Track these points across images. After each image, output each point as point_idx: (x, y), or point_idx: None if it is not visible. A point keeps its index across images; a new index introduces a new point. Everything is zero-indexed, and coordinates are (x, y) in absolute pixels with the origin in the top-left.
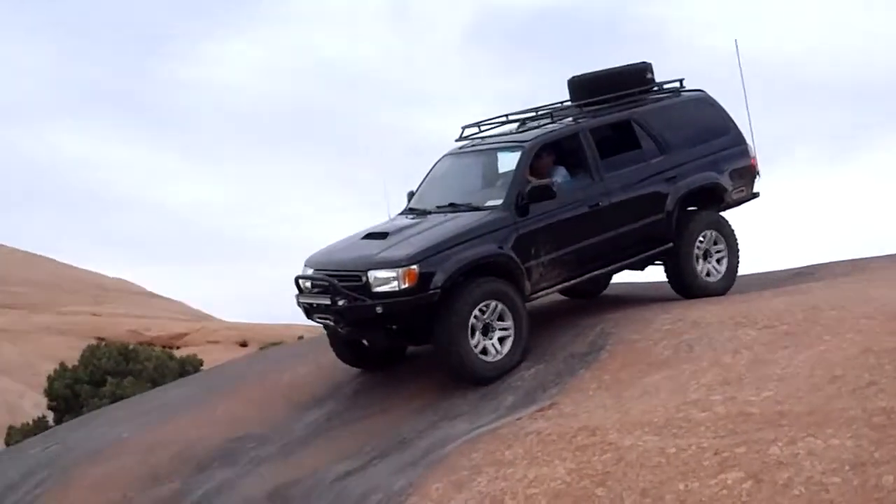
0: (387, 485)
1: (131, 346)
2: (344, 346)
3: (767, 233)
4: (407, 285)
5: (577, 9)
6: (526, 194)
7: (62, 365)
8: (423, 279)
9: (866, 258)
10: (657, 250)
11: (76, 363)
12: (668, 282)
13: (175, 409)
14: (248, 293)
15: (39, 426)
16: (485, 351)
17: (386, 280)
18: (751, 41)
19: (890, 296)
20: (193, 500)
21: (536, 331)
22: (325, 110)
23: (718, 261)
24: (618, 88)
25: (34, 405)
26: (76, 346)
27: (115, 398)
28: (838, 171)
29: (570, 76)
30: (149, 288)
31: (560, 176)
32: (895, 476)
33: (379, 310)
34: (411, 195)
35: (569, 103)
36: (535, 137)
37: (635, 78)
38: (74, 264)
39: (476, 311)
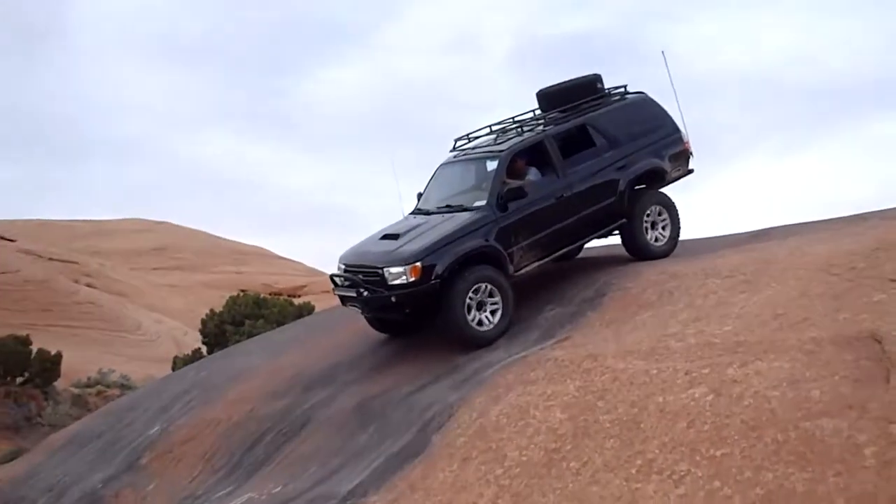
0: (443, 398)
1: (263, 296)
2: (373, 321)
3: (741, 203)
4: (413, 278)
5: (598, 34)
6: (503, 195)
7: (212, 311)
8: (426, 272)
9: (808, 222)
10: (614, 225)
11: (222, 309)
12: (624, 247)
13: (291, 344)
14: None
15: (196, 356)
16: (480, 322)
17: (398, 275)
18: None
19: (822, 251)
20: (303, 410)
21: (556, 283)
22: (402, 116)
23: (664, 229)
24: (574, 97)
25: (193, 340)
26: (223, 296)
27: (250, 335)
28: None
29: (537, 90)
30: (276, 251)
31: (533, 175)
32: (821, 390)
33: (394, 299)
34: (419, 196)
35: (538, 112)
36: (510, 147)
37: (587, 88)
38: (222, 235)
39: (471, 293)
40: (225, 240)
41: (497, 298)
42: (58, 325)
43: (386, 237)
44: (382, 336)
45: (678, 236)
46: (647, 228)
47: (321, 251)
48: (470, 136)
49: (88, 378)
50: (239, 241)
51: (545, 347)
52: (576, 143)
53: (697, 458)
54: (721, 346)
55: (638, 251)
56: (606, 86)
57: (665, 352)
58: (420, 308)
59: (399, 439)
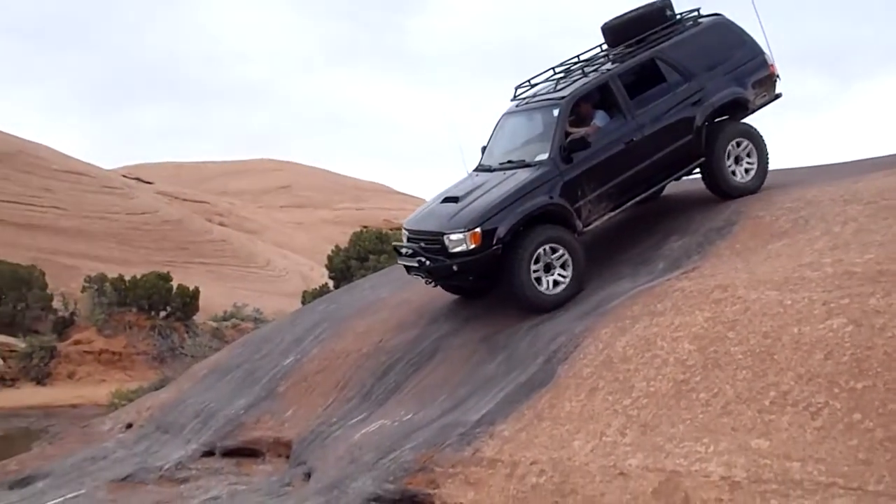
0: (569, 329)
1: (385, 231)
2: (445, 285)
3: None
4: (474, 245)
5: None
6: (566, 146)
7: (337, 247)
8: (486, 238)
9: None
10: (692, 165)
11: (347, 245)
12: (706, 186)
13: (415, 277)
14: None
15: (323, 290)
16: (550, 285)
17: (458, 242)
18: None
19: None
20: (430, 342)
21: (680, 213)
22: (527, 46)
23: (749, 163)
24: (644, 28)
25: (319, 275)
26: (345, 232)
27: (375, 270)
28: None
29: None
30: (395, 187)
31: (600, 119)
32: None
33: (455, 267)
34: (483, 150)
35: (605, 48)
36: (570, 94)
37: (656, 17)
38: (343, 172)
39: (536, 255)
40: (345, 177)
41: (566, 258)
42: (194, 262)
43: (447, 200)
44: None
45: (766, 169)
46: (729, 166)
47: (440, 186)
48: (532, 80)
49: (224, 312)
50: (358, 177)
51: (672, 278)
52: (645, 79)
53: (836, 390)
54: (862, 275)
55: (720, 189)
56: (679, 10)
57: (800, 282)
58: (484, 274)
59: (525, 370)
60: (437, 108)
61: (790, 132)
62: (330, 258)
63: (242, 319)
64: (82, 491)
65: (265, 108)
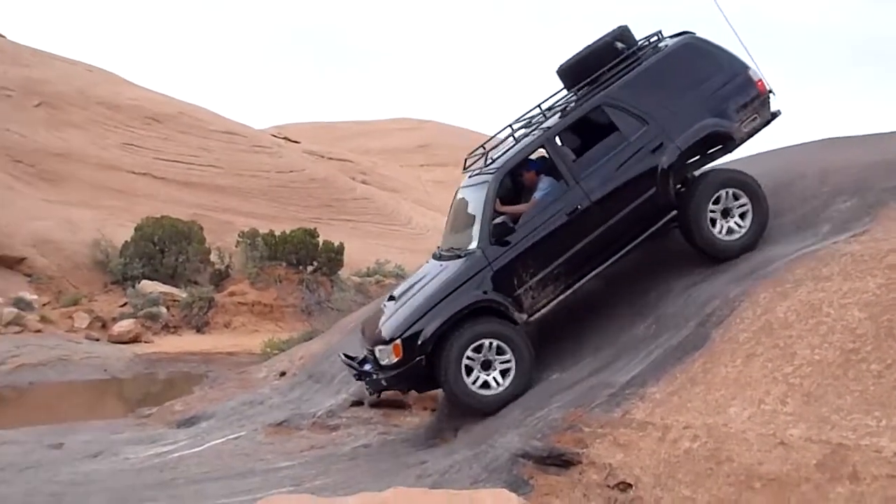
0: (723, 292)
1: None
2: None
3: None
4: (396, 358)
5: None
6: (493, 231)
7: None
8: (407, 349)
9: None
10: (662, 221)
11: None
12: (686, 241)
13: None
14: None
15: None
16: (486, 384)
17: (384, 354)
18: None
19: None
20: (566, 303)
21: (851, 172)
22: None
23: (742, 217)
24: (597, 67)
25: None
26: None
27: None
28: None
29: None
30: None
31: (545, 186)
32: None
33: (384, 382)
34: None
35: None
36: (498, 168)
37: (606, 53)
38: (483, 131)
39: (469, 353)
40: (484, 135)
41: (507, 356)
42: (338, 219)
43: (391, 297)
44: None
45: (764, 224)
46: (713, 219)
47: None
48: (485, 146)
49: (367, 268)
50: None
51: (839, 241)
52: (596, 130)
53: None
54: None
55: (701, 249)
56: (642, 36)
57: None
58: (416, 385)
59: (677, 333)
60: None
61: None
62: None
63: (385, 276)
64: (242, 433)
65: (405, 66)
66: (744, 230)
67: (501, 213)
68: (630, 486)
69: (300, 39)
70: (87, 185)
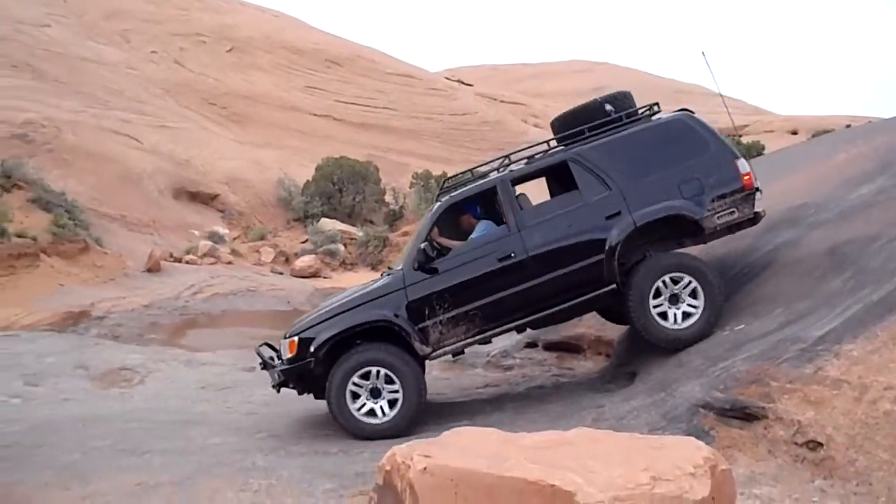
0: None
1: None
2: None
3: None
4: (290, 354)
5: None
6: (417, 257)
7: None
8: (301, 348)
9: None
10: (596, 293)
11: None
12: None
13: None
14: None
15: None
16: (371, 412)
17: (284, 346)
18: None
19: None
20: (765, 252)
21: None
22: None
23: (692, 305)
24: (583, 124)
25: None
26: None
27: None
28: None
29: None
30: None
31: (483, 229)
32: None
33: (277, 375)
34: None
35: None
36: (445, 200)
37: (596, 114)
38: (661, 74)
39: (355, 378)
40: (663, 78)
41: (396, 385)
42: None
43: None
44: (858, 175)
45: (717, 313)
46: (658, 305)
47: (764, 89)
48: (455, 177)
49: None
50: (677, 79)
51: None
52: (554, 185)
53: None
54: None
55: (643, 332)
56: (640, 105)
57: None
58: (307, 387)
59: (879, 288)
60: None
61: None
62: None
63: None
64: None
65: (579, 8)
66: (698, 311)
67: (436, 242)
68: (820, 444)
69: None
70: (272, 126)
